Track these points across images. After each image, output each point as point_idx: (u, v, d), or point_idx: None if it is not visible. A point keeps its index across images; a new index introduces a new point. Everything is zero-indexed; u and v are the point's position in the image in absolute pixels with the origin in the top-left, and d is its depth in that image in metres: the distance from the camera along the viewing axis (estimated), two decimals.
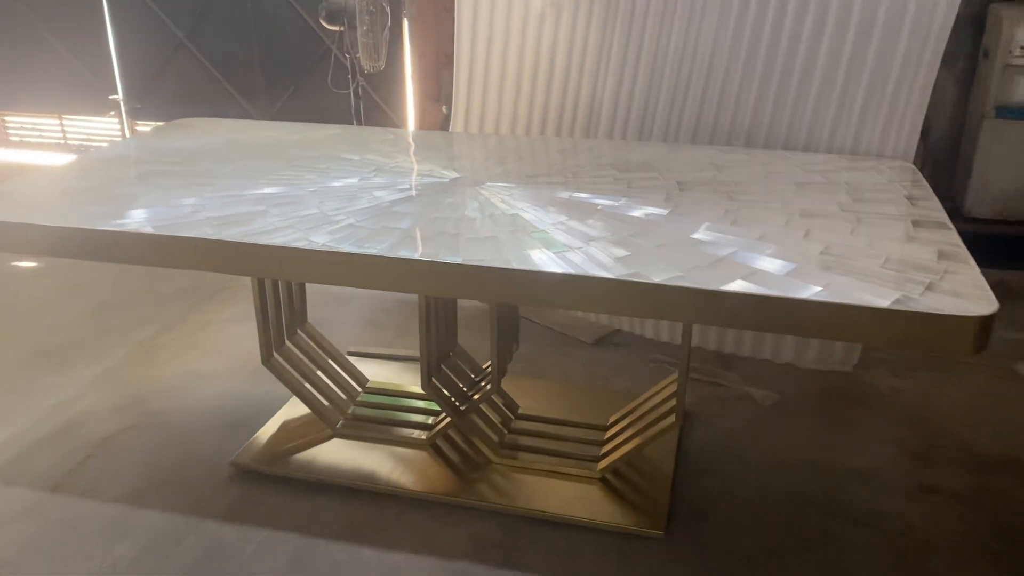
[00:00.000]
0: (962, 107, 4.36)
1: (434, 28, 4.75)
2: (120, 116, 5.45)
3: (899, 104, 2.76)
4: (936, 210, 2.31)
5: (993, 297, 1.77)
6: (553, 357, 3.30)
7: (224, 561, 2.26)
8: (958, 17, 4.17)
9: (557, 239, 2.05)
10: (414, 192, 2.44)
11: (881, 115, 2.79)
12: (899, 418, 2.90)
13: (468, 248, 2.00)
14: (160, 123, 3.28)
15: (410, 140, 3.25)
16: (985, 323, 1.70)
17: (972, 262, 1.95)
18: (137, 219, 2.20)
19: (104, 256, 2.15)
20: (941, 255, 1.99)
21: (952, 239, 2.09)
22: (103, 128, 5.54)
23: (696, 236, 2.08)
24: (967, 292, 1.80)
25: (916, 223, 2.20)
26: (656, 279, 1.83)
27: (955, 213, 4.29)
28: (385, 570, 2.23)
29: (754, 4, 2.86)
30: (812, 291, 1.77)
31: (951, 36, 4.22)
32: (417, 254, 1.98)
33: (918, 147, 3.97)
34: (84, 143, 5.62)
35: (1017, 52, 3.92)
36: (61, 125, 5.62)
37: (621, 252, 1.97)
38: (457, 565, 2.24)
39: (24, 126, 5.72)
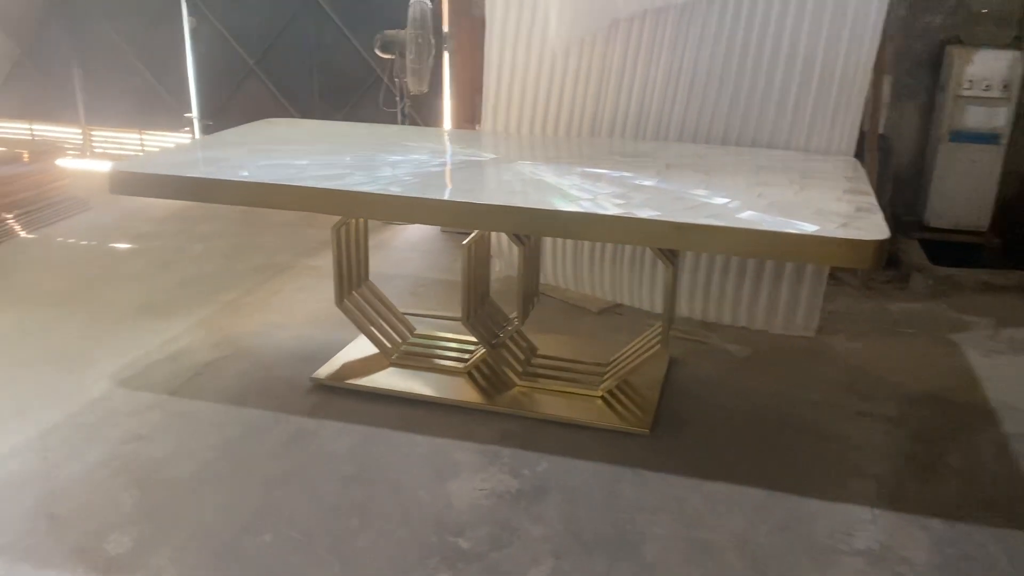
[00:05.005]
0: (924, 133, 5.06)
1: (470, 60, 5.52)
2: (193, 132, 6.25)
3: (839, 114, 3.47)
4: (865, 186, 2.99)
5: (887, 230, 2.44)
6: (565, 322, 3.98)
7: (308, 439, 2.94)
8: (919, 56, 4.93)
9: (572, 193, 2.75)
10: (463, 164, 3.16)
11: (827, 123, 3.50)
12: (848, 369, 3.55)
13: (506, 198, 2.71)
14: None
15: (455, 136, 3.99)
16: (880, 246, 2.38)
17: (880, 214, 2.62)
18: (265, 177, 2.91)
19: (249, 201, 2.90)
20: (859, 209, 2.67)
21: (871, 202, 2.77)
22: (177, 141, 6.34)
23: (676, 195, 2.78)
24: (870, 229, 2.47)
25: (847, 191, 2.89)
26: (641, 215, 2.53)
27: (917, 224, 4.99)
28: (434, 449, 2.90)
29: (724, 40, 3.59)
30: (759, 224, 2.45)
31: (914, 72, 4.96)
32: (468, 199, 2.70)
33: (887, 166, 4.64)
34: None
35: (966, 85, 4.64)
36: (140, 139, 6.44)
37: (619, 201, 2.67)
38: (489, 447, 2.90)
39: (108, 140, 6.54)
